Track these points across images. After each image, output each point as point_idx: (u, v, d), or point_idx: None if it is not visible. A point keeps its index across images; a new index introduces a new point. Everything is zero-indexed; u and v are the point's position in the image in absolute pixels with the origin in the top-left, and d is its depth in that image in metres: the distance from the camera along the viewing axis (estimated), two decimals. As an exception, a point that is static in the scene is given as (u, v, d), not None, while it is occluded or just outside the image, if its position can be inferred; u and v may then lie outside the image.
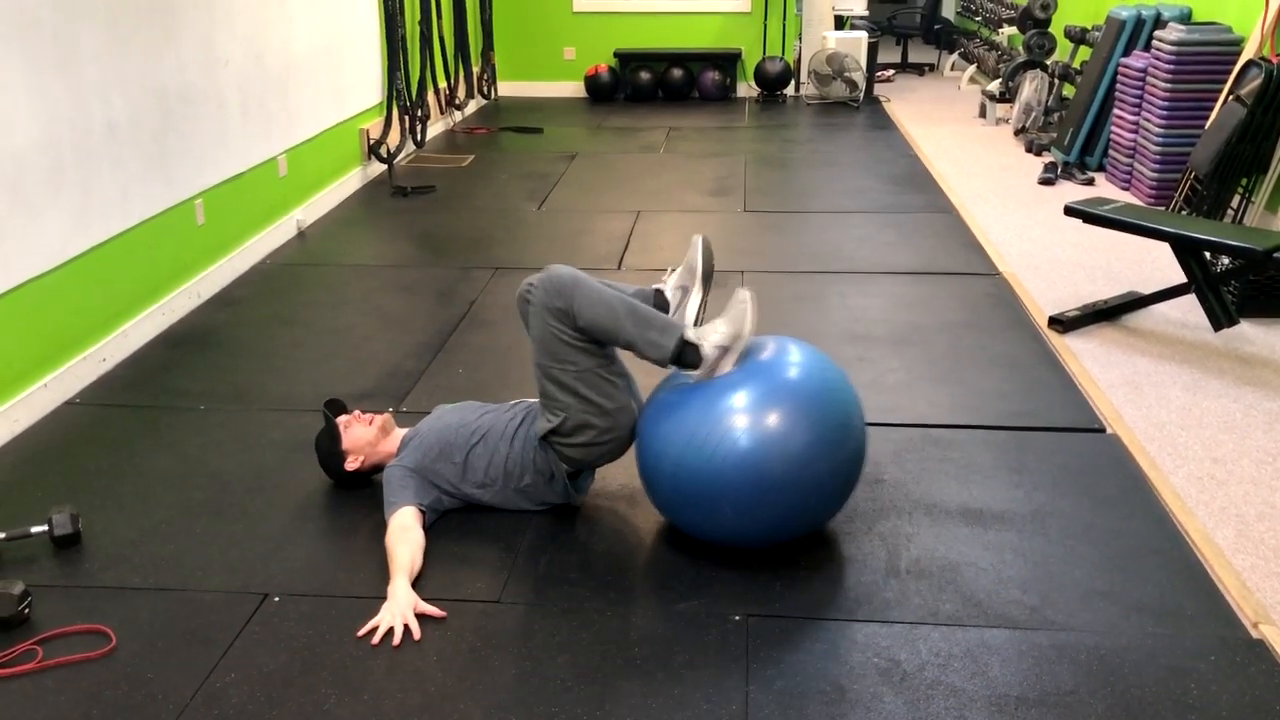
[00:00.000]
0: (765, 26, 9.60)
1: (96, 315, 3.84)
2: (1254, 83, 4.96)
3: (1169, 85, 5.68)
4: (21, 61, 3.42)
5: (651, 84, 9.51)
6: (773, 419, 2.50)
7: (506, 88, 9.81)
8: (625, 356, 2.76)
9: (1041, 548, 2.71)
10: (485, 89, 9.26)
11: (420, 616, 2.44)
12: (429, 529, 2.74)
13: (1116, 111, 6.33)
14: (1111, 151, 6.42)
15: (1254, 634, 2.38)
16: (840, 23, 9.57)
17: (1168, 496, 2.94)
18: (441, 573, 2.62)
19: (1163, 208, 5.65)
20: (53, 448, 3.31)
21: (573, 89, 9.78)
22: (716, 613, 2.47)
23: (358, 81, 6.45)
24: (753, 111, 8.95)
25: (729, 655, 2.33)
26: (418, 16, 7.33)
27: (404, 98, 6.88)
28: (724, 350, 2.59)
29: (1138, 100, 6.05)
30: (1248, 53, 5.26)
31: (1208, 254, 4.03)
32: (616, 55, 9.60)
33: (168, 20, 4.30)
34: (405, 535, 2.63)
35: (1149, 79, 5.91)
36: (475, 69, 8.92)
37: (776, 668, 2.29)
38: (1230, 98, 5.16)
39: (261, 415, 3.49)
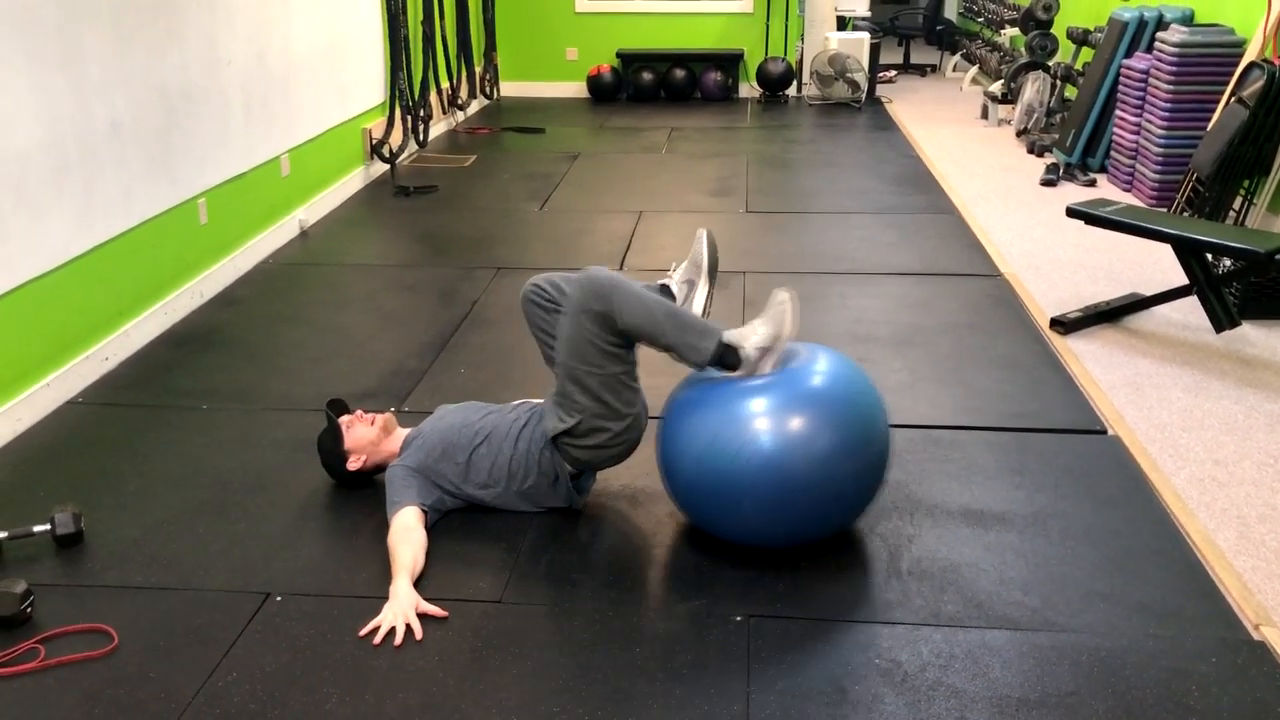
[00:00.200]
0: (767, 27, 9.60)
1: (99, 314, 3.84)
2: (1256, 84, 4.96)
3: (1171, 87, 5.68)
4: (25, 61, 3.42)
5: (654, 84, 9.52)
6: (797, 422, 2.50)
7: (509, 88, 9.81)
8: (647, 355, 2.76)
9: (1043, 549, 2.72)
10: (488, 89, 9.27)
11: (422, 616, 2.44)
12: (431, 529, 2.74)
13: (1118, 113, 6.33)
14: (1113, 153, 6.42)
15: (1255, 636, 2.38)
16: (842, 23, 9.58)
17: (1169, 498, 2.94)
18: (443, 572, 2.62)
19: (1164, 209, 5.65)
20: (55, 447, 3.31)
21: (575, 89, 9.79)
22: (718, 613, 2.47)
23: (360, 81, 6.45)
24: (755, 112, 8.95)
25: (730, 656, 2.33)
26: (420, 16, 7.34)
27: (406, 97, 6.88)
28: (764, 351, 2.59)
29: (1140, 102, 6.05)
30: (1250, 54, 5.26)
31: (1209, 256, 4.03)
32: (619, 55, 9.61)
33: (170, 19, 4.30)
34: (408, 535, 2.63)
35: (1151, 80, 5.91)
36: (478, 69, 8.93)
37: (778, 668, 2.29)
38: (1232, 99, 5.16)
39: (264, 415, 3.49)
